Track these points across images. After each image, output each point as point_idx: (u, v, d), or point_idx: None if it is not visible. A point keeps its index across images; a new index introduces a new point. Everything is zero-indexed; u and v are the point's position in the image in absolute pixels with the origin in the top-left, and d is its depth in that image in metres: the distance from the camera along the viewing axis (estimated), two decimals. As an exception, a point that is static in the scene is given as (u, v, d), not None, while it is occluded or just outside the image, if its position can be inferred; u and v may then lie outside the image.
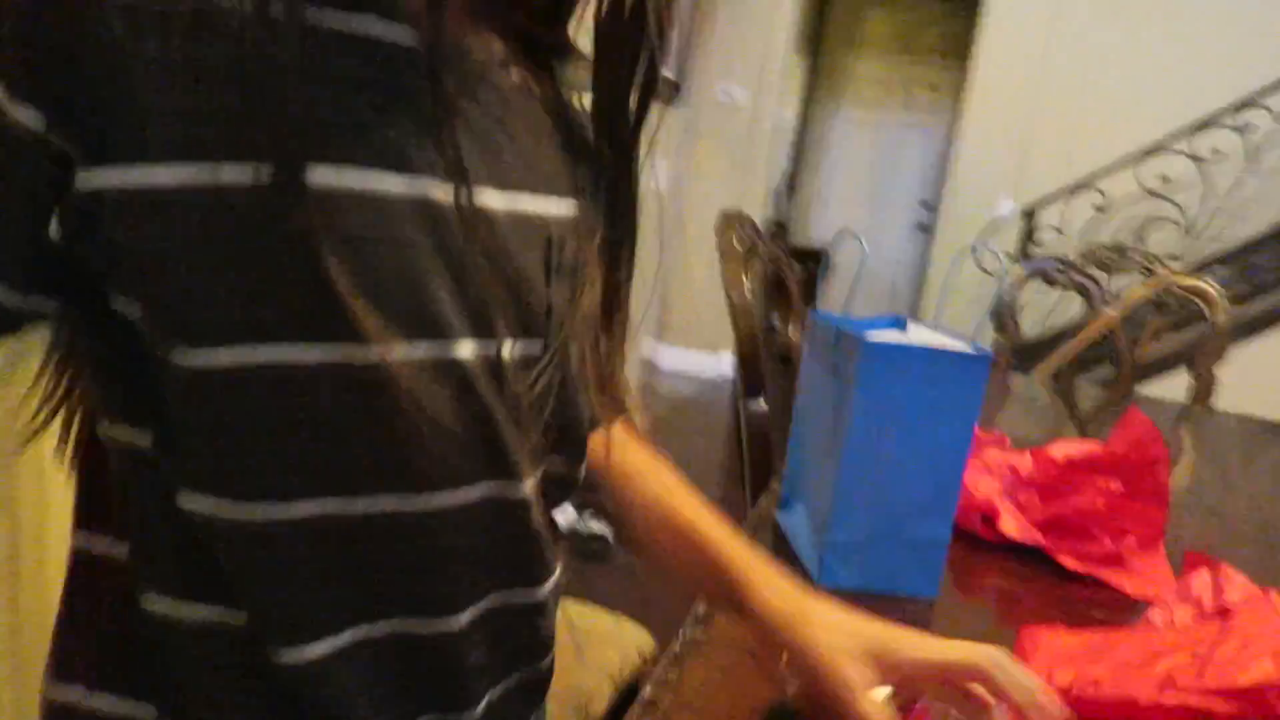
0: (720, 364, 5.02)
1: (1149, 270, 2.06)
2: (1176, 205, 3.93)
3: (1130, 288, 2.10)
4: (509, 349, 0.51)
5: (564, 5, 0.57)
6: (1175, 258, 3.62)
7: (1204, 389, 1.92)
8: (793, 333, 1.58)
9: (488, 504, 0.52)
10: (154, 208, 0.41)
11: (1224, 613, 0.73)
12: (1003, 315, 2.11)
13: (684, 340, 4.87)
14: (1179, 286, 2.05)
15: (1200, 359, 1.95)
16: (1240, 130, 3.79)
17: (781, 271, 1.57)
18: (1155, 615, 0.77)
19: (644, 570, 0.71)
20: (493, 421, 0.50)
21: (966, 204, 4.63)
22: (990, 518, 0.95)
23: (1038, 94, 4.42)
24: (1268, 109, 3.78)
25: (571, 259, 0.55)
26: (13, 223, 0.41)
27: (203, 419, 0.44)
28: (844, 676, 0.52)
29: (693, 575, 0.66)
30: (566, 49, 0.59)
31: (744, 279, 1.24)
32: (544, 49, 0.57)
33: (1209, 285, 2.01)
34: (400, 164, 0.45)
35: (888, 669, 0.53)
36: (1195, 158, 3.85)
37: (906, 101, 6.33)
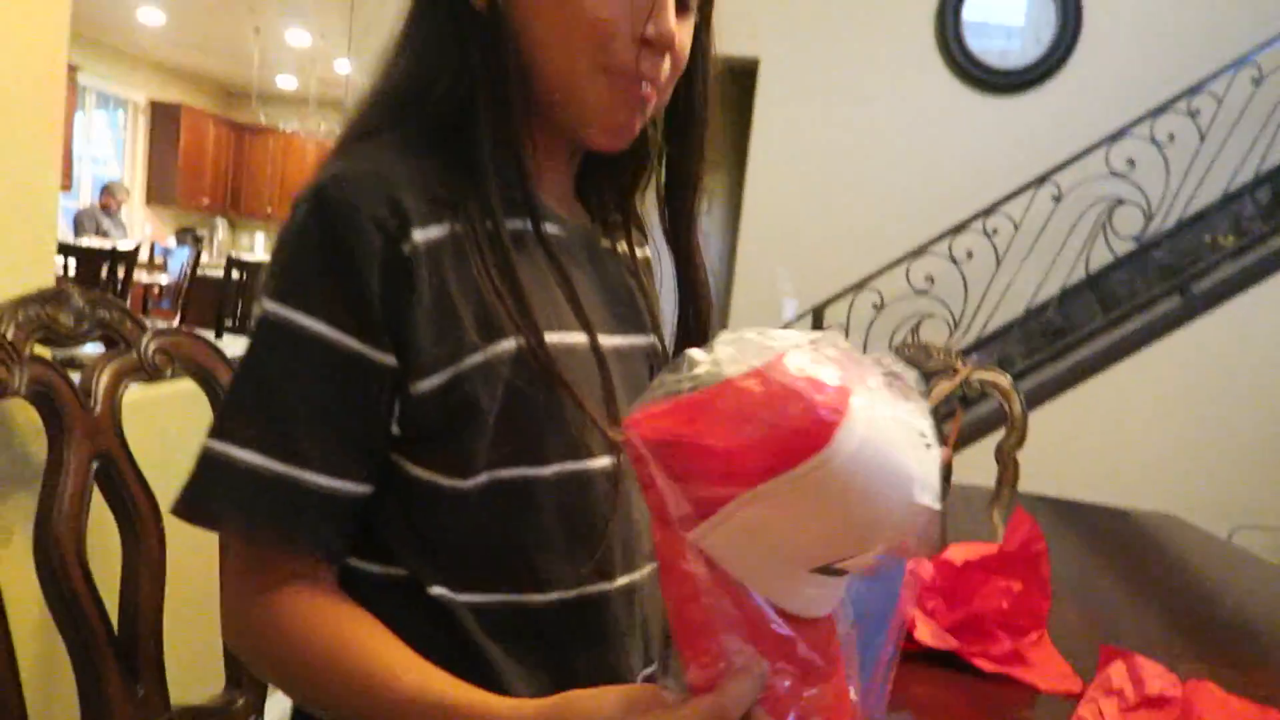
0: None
1: (951, 366, 2.25)
2: (942, 302, 4.36)
3: (936, 382, 2.28)
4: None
5: (634, 183, 0.78)
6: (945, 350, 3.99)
7: (1011, 474, 2.10)
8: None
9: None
10: (454, 389, 0.61)
11: (1153, 703, 0.79)
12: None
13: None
14: (978, 379, 2.25)
15: (1003, 447, 2.14)
16: (989, 235, 4.28)
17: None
18: (1085, 711, 0.82)
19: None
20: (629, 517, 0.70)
21: (753, 305, 4.91)
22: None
23: (811, 200, 4.81)
24: (1009, 216, 4.30)
25: None
26: (375, 434, 0.61)
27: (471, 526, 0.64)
28: None
29: None
30: (634, 215, 0.80)
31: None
32: (621, 217, 0.79)
33: (1003, 377, 2.22)
34: (564, 323, 0.66)
35: None
36: (953, 259, 4.30)
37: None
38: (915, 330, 4.39)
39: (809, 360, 0.44)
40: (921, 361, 2.42)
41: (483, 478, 0.63)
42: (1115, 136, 4.17)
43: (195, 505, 0.60)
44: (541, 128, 0.69)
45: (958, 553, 1.03)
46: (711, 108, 0.74)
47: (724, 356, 0.46)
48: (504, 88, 0.65)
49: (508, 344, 0.62)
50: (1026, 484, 2.12)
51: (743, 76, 5.01)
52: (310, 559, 0.61)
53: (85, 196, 7.51)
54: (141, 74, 8.33)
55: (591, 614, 0.67)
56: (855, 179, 4.77)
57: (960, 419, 2.26)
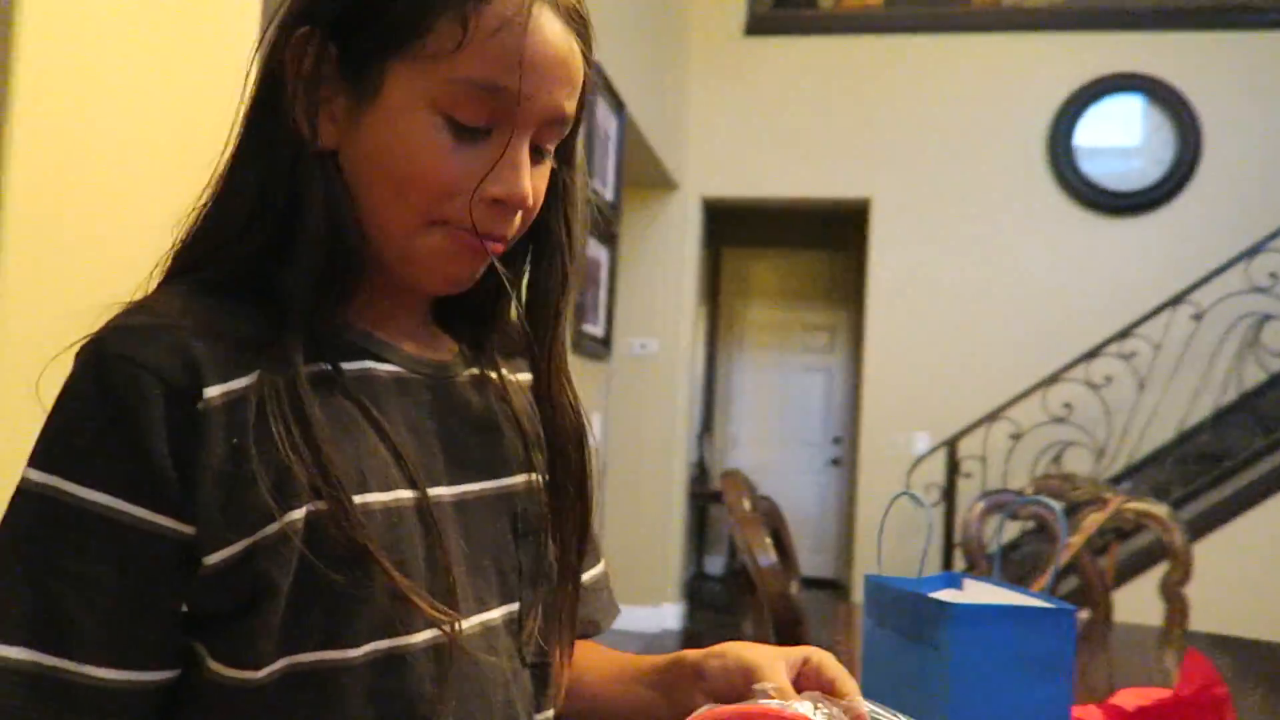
0: (663, 617, 4.87)
1: (1099, 496, 2.14)
2: (1083, 429, 4.18)
3: (1085, 513, 2.16)
4: (498, 614, 0.64)
5: (498, 307, 0.72)
6: (1091, 479, 3.80)
7: (1179, 611, 1.95)
8: (795, 589, 1.56)
9: None
10: (247, 563, 0.53)
11: None
12: (971, 552, 2.13)
13: (623, 595, 4.73)
14: (1131, 510, 2.13)
15: (1168, 583, 2.00)
16: (1126, 358, 4.12)
17: (779, 529, 1.57)
18: None
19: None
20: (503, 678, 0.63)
21: (879, 440, 4.81)
22: (1077, 778, 0.91)
23: (934, 332, 4.75)
24: (1145, 338, 4.14)
25: (534, 522, 0.68)
26: (166, 613, 0.54)
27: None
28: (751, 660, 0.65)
29: (638, 695, 0.73)
30: (491, 343, 0.72)
31: (766, 541, 1.23)
32: (486, 345, 0.72)
33: (1159, 506, 2.10)
34: (387, 481, 0.59)
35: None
36: (1090, 384, 4.14)
37: (803, 343, 6.70)
38: (1057, 460, 4.20)
39: None
40: (1066, 492, 2.31)
41: (279, 665, 0.54)
42: (1253, 251, 4.01)
43: None
44: (380, 268, 0.62)
45: (1128, 698, 0.96)
46: (577, 237, 0.68)
47: None
48: (333, 234, 0.58)
49: (302, 510, 0.54)
50: (1197, 622, 1.96)
51: (857, 215, 5.09)
52: None
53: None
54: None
55: None
56: (977, 308, 4.71)
57: (1115, 553, 2.13)
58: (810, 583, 5.54)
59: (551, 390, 0.68)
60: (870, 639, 0.94)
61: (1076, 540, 2.07)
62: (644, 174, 4.65)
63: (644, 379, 4.88)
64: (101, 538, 0.52)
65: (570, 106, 0.62)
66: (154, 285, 0.62)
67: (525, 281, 0.69)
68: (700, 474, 6.15)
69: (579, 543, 0.70)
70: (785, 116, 4.97)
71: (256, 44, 0.62)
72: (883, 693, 0.88)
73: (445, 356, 0.69)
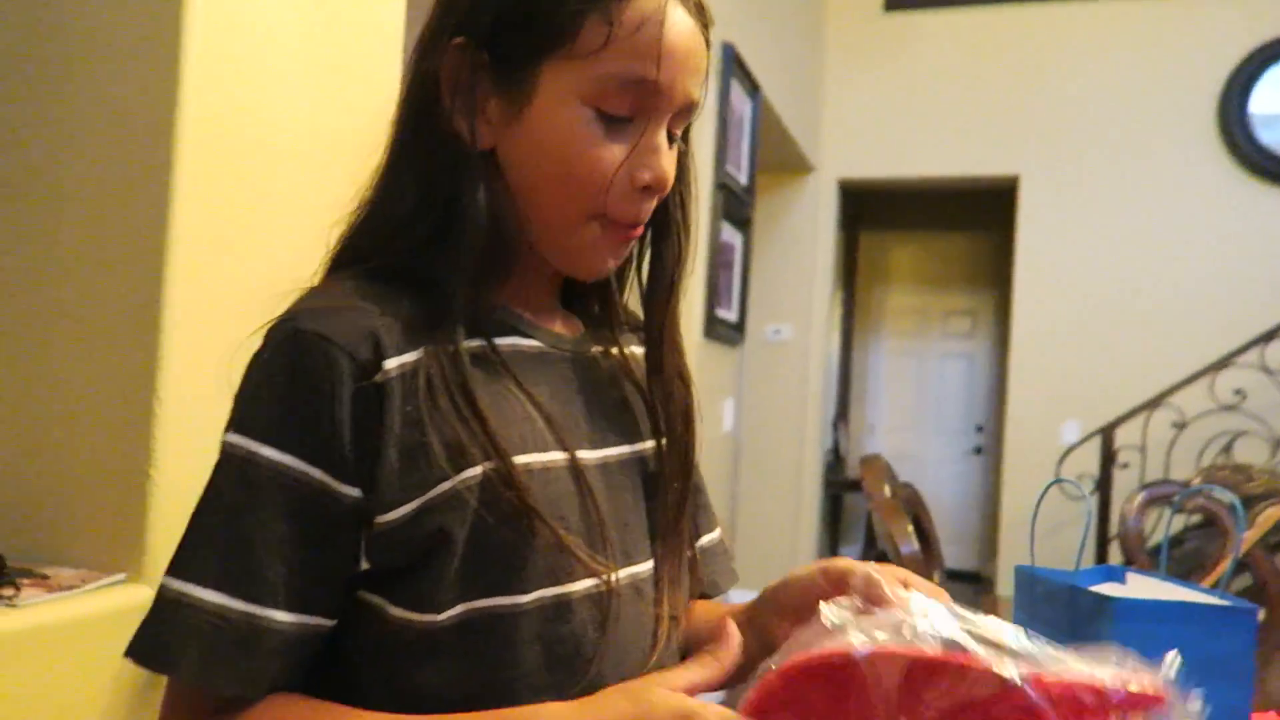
0: (796, 604, 4.81)
1: (1277, 490, 1.98)
2: (1258, 417, 3.87)
3: (1261, 507, 2.00)
4: (642, 569, 0.68)
5: (619, 285, 0.76)
6: (1268, 471, 3.52)
7: (1369, 616, 1.79)
8: (936, 579, 1.50)
9: None
10: (422, 519, 0.59)
11: None
12: (1129, 546, 2.01)
13: (751, 582, 4.70)
14: (1314, 505, 1.95)
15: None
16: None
17: (920, 516, 1.52)
18: None
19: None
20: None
21: (1025, 429, 4.60)
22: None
23: (1086, 315, 4.50)
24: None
25: (660, 484, 0.72)
26: (339, 567, 0.60)
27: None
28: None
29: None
30: (617, 316, 0.77)
31: (908, 528, 1.19)
32: (608, 321, 0.77)
33: (1347, 502, 1.92)
34: (541, 443, 0.64)
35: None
36: (1267, 370, 3.83)
37: (943, 329, 6.47)
38: (1227, 450, 3.90)
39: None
40: (1239, 484, 2.15)
41: (457, 610, 0.60)
42: None
43: (152, 649, 0.58)
44: (528, 253, 0.68)
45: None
46: (692, 216, 0.72)
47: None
48: (492, 227, 0.64)
49: (475, 471, 0.60)
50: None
51: (1002, 194, 4.87)
52: (265, 691, 0.58)
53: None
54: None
55: None
56: (1135, 290, 4.43)
57: (1297, 551, 1.96)
58: (951, 575, 5.36)
59: (665, 366, 0.72)
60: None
61: (1251, 535, 1.92)
62: (779, 157, 4.57)
63: (778, 365, 4.81)
64: (287, 497, 0.58)
65: (698, 93, 0.66)
66: (319, 277, 0.69)
67: (646, 260, 0.74)
68: (835, 461, 6.03)
69: (679, 510, 0.73)
70: (927, 93, 4.79)
71: (406, 52, 0.65)
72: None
73: (576, 333, 0.74)
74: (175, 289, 1.02)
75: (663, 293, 0.72)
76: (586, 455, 0.67)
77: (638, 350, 0.77)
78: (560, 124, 0.63)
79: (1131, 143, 4.48)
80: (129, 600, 0.96)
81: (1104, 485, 4.08)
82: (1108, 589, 0.83)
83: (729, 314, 3.72)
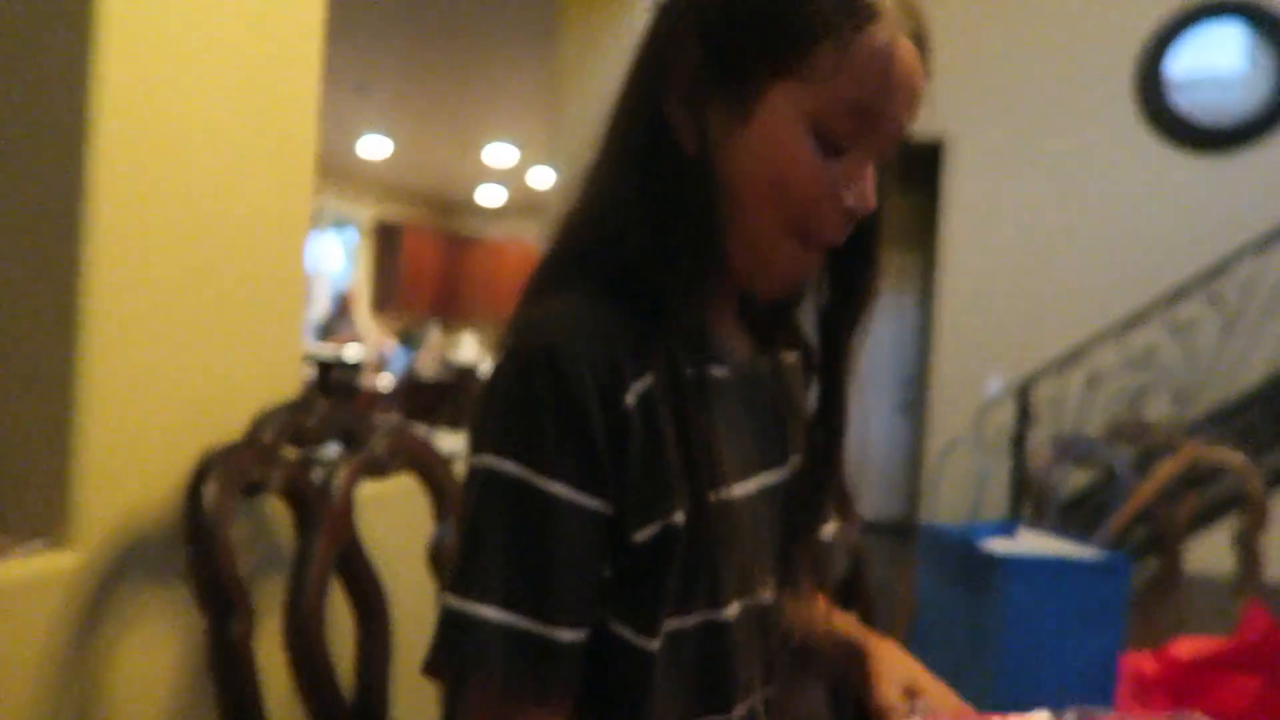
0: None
1: (1174, 445, 2.09)
2: (1166, 373, 4.05)
3: (1159, 463, 2.12)
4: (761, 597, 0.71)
5: (795, 302, 0.76)
6: (1167, 426, 3.69)
7: (1252, 562, 1.91)
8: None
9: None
10: (664, 538, 0.62)
11: None
12: (1040, 499, 2.11)
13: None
14: (1206, 458, 2.07)
15: (1242, 534, 1.95)
16: (1213, 301, 3.97)
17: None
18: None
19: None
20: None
21: (952, 386, 4.73)
22: (1129, 726, 0.92)
23: (1009, 274, 4.63)
24: (1234, 280, 3.97)
25: (797, 513, 0.74)
26: (597, 584, 0.63)
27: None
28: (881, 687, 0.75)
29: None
30: (796, 327, 0.78)
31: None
32: (778, 337, 0.78)
33: (1235, 454, 2.04)
34: (734, 475, 0.66)
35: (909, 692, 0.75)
36: (1174, 329, 4.00)
37: (874, 287, 6.55)
38: (1136, 405, 4.09)
39: None
40: (1140, 439, 2.26)
41: (672, 623, 0.64)
42: (1356, 187, 3.80)
43: (449, 666, 0.61)
44: (716, 268, 0.68)
45: (1185, 648, 0.96)
46: (882, 240, 0.73)
47: None
48: (709, 240, 0.65)
49: (688, 501, 0.63)
50: (1274, 572, 1.91)
51: (928, 156, 4.95)
52: (559, 707, 0.62)
53: (319, 308, 8.36)
54: (369, 196, 9.26)
55: None
56: (1055, 248, 4.57)
57: (1191, 502, 2.08)
58: (878, 527, 5.53)
59: (843, 393, 0.74)
60: (925, 587, 0.95)
61: (1147, 488, 2.03)
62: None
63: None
64: (562, 521, 0.60)
65: (911, 124, 0.67)
66: (535, 290, 0.68)
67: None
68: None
69: (810, 530, 0.76)
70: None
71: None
72: (935, 640, 0.89)
73: (750, 352, 0.76)
74: (94, 250, 1.00)
75: (851, 315, 0.72)
76: (752, 484, 0.70)
77: (789, 357, 0.79)
78: (782, 140, 0.63)
79: (1054, 105, 4.59)
80: (49, 567, 0.96)
81: (1019, 440, 4.24)
82: (999, 544, 0.89)
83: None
